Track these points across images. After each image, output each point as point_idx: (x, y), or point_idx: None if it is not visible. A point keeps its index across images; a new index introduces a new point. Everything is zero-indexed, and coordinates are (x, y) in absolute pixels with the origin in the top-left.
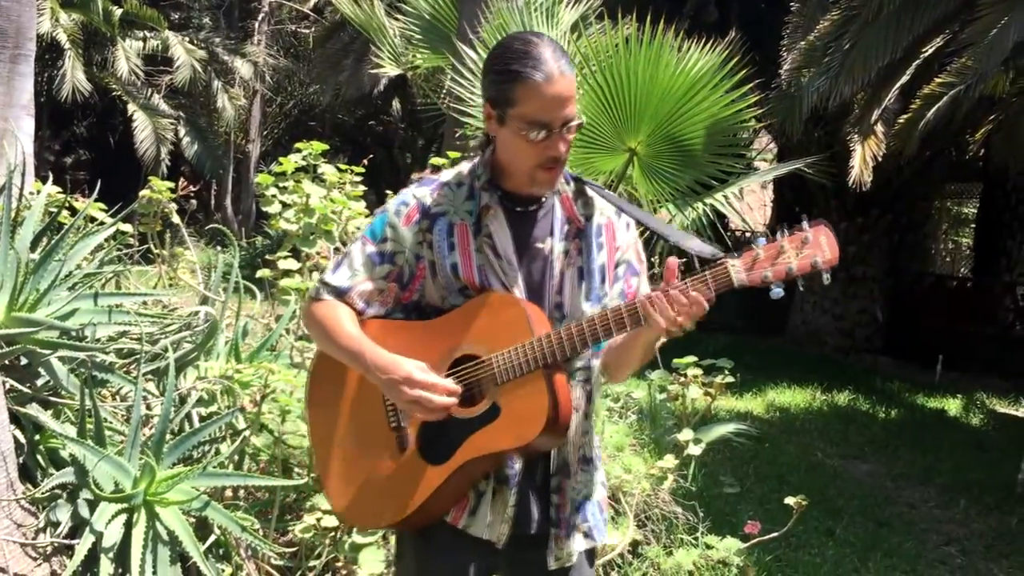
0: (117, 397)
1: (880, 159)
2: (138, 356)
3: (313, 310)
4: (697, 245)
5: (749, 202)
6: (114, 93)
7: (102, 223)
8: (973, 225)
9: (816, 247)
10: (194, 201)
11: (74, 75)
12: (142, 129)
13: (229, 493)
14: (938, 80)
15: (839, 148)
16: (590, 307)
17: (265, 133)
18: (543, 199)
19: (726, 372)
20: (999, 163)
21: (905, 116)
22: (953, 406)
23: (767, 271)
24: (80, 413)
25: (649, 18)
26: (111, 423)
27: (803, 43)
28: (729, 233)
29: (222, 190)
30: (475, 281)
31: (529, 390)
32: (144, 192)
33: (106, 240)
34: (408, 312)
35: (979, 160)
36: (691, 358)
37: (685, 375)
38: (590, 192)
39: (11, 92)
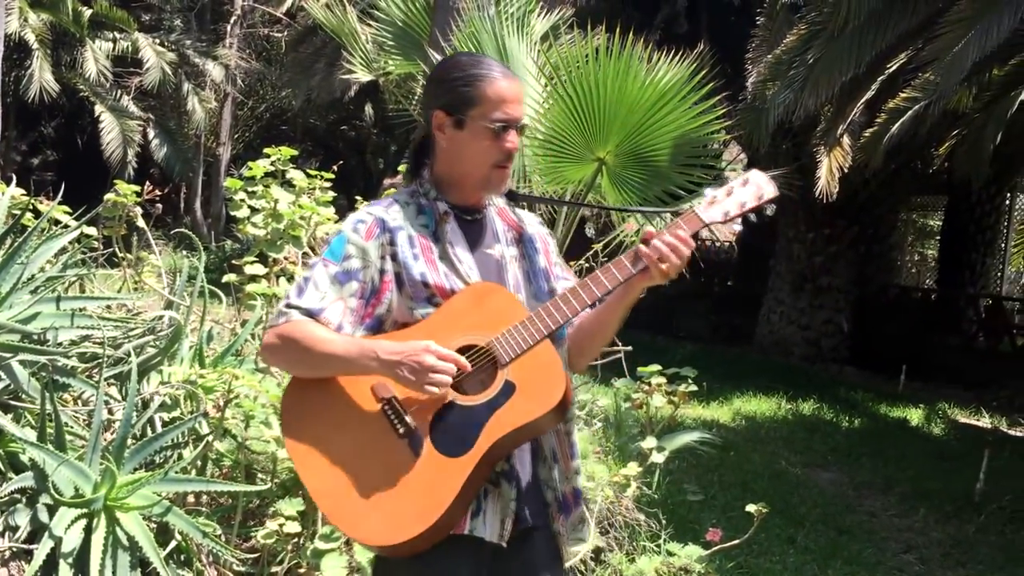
0: (79, 401)
1: (846, 171)
2: (100, 360)
3: (281, 331)
4: (654, 210)
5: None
6: (82, 94)
7: (66, 226)
8: (938, 237)
9: (758, 185)
10: (160, 205)
11: (42, 75)
12: (109, 131)
13: (191, 499)
14: (903, 95)
15: (806, 160)
16: (537, 304)
17: (236, 136)
18: (484, 209)
19: (690, 381)
20: (962, 177)
21: (871, 130)
22: (915, 415)
23: (726, 207)
24: (40, 417)
25: (619, 29)
26: (72, 428)
27: (769, 56)
28: (698, 242)
29: (192, 193)
30: (445, 287)
31: (541, 359)
32: (108, 196)
33: (70, 243)
34: (370, 332)
35: (944, 173)
36: (655, 367)
37: (649, 383)
38: (516, 208)
39: None
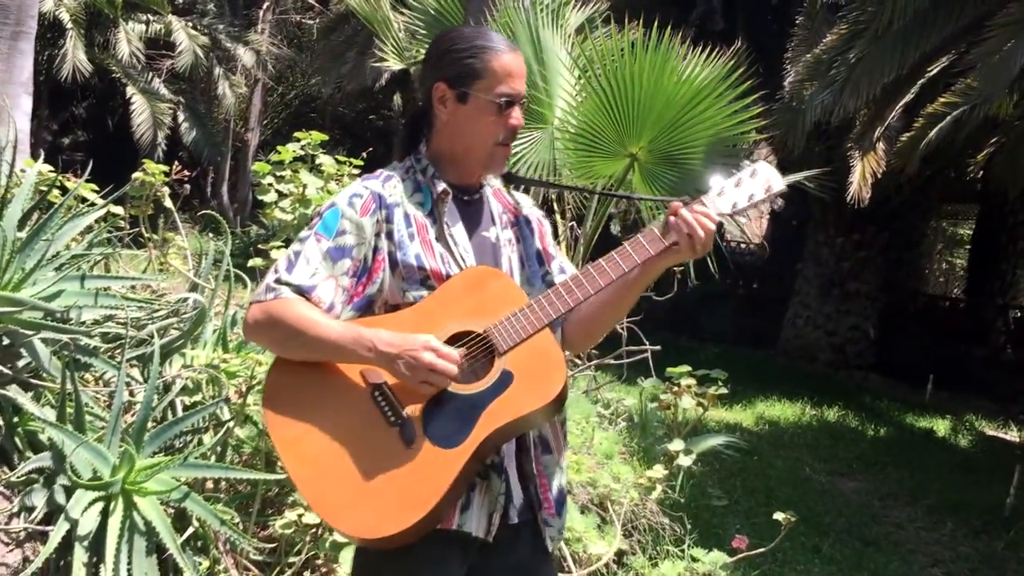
0: (100, 382)
1: (879, 176)
2: (123, 341)
3: (270, 307)
4: (662, 197)
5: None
6: (114, 75)
7: (93, 204)
8: (968, 246)
9: (765, 177)
10: (187, 186)
11: (75, 55)
12: (140, 112)
13: (210, 485)
14: (942, 100)
15: (839, 163)
16: (530, 289)
17: (265, 123)
18: (481, 189)
19: (720, 383)
20: (999, 186)
21: (908, 134)
22: (942, 427)
23: (735, 198)
24: (61, 397)
25: (656, 24)
26: (92, 408)
27: (808, 56)
28: (724, 243)
29: (219, 178)
30: (440, 270)
31: (541, 349)
32: (137, 174)
33: (96, 222)
34: (360, 312)
35: (976, 182)
36: (685, 367)
37: (678, 384)
38: (512, 190)
39: (11, 69)
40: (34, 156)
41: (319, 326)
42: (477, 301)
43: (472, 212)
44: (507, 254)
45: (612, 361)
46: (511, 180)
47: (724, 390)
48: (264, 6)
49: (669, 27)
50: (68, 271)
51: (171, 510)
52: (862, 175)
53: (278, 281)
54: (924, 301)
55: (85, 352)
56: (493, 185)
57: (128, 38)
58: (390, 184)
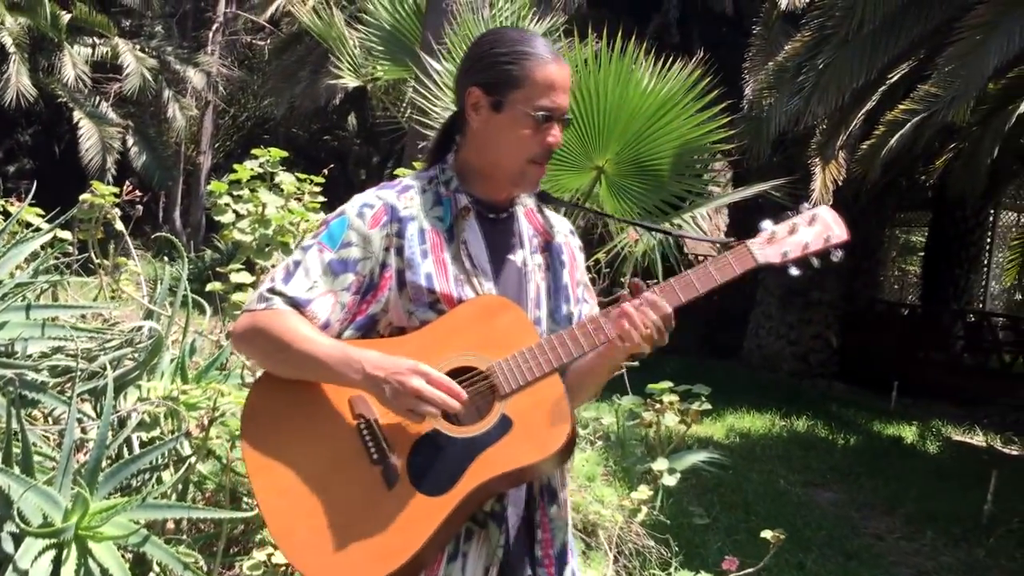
0: (50, 419)
1: (840, 184)
2: (73, 374)
3: (259, 318)
4: (700, 236)
5: (702, 227)
6: (60, 100)
7: (38, 229)
8: (921, 253)
9: (826, 225)
10: (140, 207)
11: (19, 80)
12: (88, 137)
13: (171, 525)
14: (902, 106)
15: (799, 173)
16: (553, 326)
17: (217, 145)
18: (511, 208)
19: (703, 399)
20: (957, 192)
21: (868, 142)
22: (910, 433)
23: (786, 247)
24: (7, 437)
25: (618, 35)
26: (41, 448)
27: (771, 64)
28: (683, 255)
29: (171, 202)
30: (451, 294)
31: (546, 396)
32: (85, 196)
33: (42, 248)
34: (362, 332)
35: (927, 189)
36: (666, 383)
37: (660, 401)
38: (547, 211)
39: None
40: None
41: (307, 341)
42: (484, 334)
43: (498, 232)
44: (535, 281)
45: None
46: (546, 200)
47: (707, 405)
48: (213, 28)
49: (632, 39)
50: (11, 301)
51: (130, 554)
52: (823, 183)
53: (272, 291)
54: (883, 308)
55: (32, 388)
56: (526, 204)
57: (73, 62)
58: (407, 195)
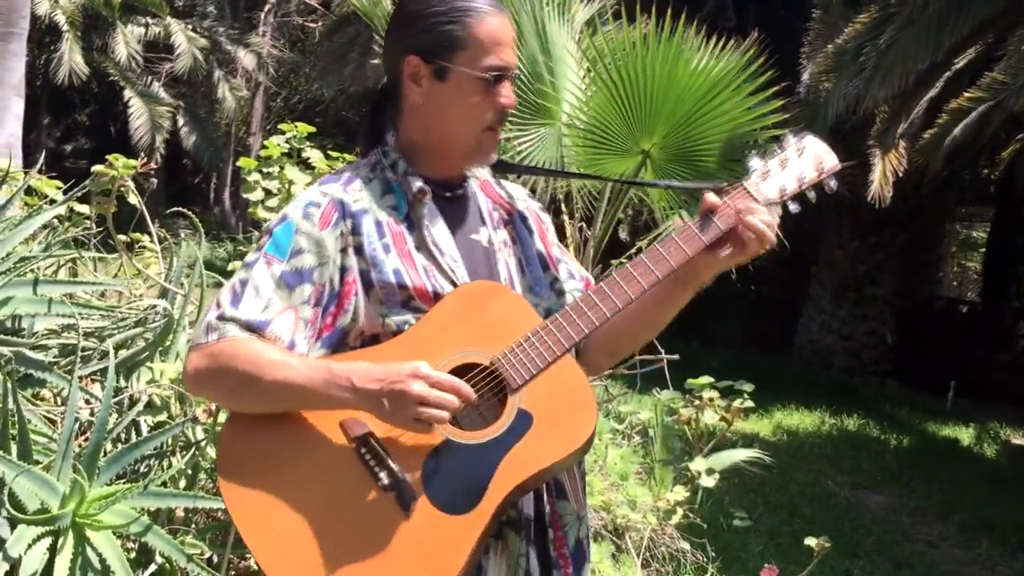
0: (58, 399)
1: (900, 175)
2: (84, 353)
3: (214, 351)
4: (691, 184)
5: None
6: (112, 78)
7: (53, 201)
8: (983, 249)
9: (816, 154)
10: (153, 180)
11: (72, 58)
12: (138, 116)
13: (180, 513)
14: (967, 94)
15: (857, 161)
16: (534, 299)
17: (268, 127)
18: (464, 183)
19: (745, 396)
20: (1023, 186)
21: (930, 131)
22: (966, 436)
23: (783, 181)
24: (3, 418)
25: (668, 14)
26: (39, 428)
27: (830, 47)
28: None
29: (221, 183)
30: (425, 287)
31: (564, 381)
32: (97, 167)
33: (60, 221)
34: (331, 349)
35: (990, 183)
36: (707, 379)
37: (700, 397)
38: (502, 181)
39: (1, 72)
40: (33, 162)
41: (280, 367)
42: (478, 325)
43: (456, 211)
44: (503, 259)
45: (625, 371)
46: (501, 168)
47: (750, 403)
48: (265, 8)
49: (682, 19)
50: (13, 276)
51: (132, 543)
52: (883, 174)
53: (221, 318)
54: (942, 305)
55: (37, 366)
56: (479, 176)
57: (126, 40)
58: (353, 187)
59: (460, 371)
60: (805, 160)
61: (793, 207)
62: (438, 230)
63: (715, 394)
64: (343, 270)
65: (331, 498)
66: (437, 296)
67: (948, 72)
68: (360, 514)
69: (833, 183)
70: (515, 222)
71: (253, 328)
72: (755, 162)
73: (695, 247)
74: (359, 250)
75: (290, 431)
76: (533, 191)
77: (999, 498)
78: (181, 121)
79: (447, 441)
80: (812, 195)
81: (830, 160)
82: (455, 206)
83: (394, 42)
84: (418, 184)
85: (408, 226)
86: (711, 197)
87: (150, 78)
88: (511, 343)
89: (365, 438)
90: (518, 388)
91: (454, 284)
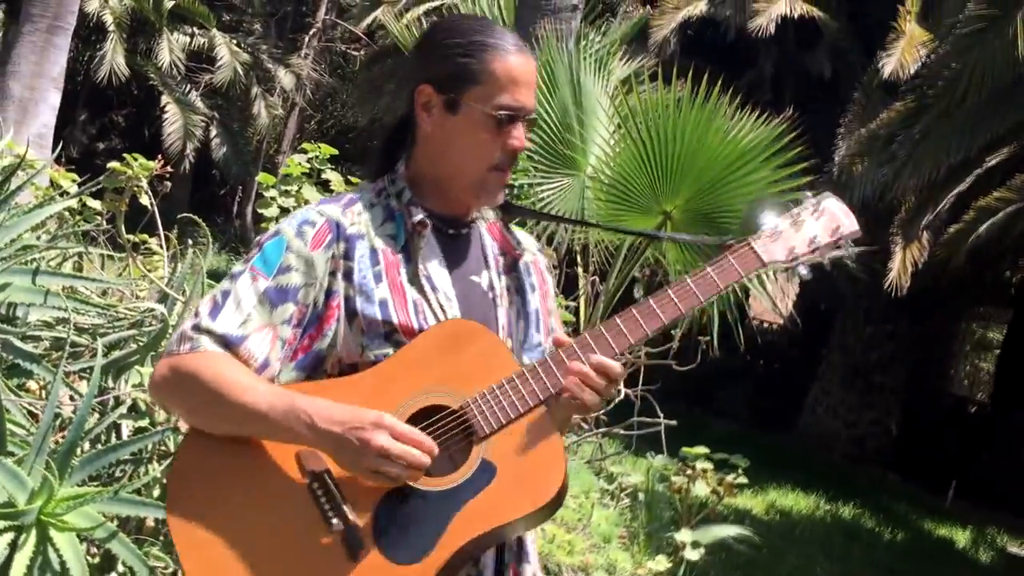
0: (43, 392)
1: (920, 267)
2: (74, 349)
3: (183, 363)
4: (699, 239)
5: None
6: (151, 83)
7: (65, 192)
8: (997, 351)
9: (833, 216)
10: (168, 183)
11: (114, 58)
12: (172, 122)
13: (151, 524)
14: (996, 193)
15: (879, 247)
16: (525, 356)
17: (298, 148)
18: (471, 223)
19: (740, 470)
20: None
21: (956, 226)
22: (962, 537)
23: (793, 243)
24: None
25: (704, 81)
26: (19, 420)
27: (863, 130)
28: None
29: (245, 197)
30: (411, 324)
31: (534, 435)
32: (113, 164)
33: (71, 214)
34: (306, 373)
35: (1011, 285)
36: (702, 449)
37: (693, 467)
38: (511, 225)
39: (43, 63)
40: (63, 156)
41: (244, 391)
42: (453, 365)
43: (458, 250)
44: (503, 306)
45: (621, 430)
46: (509, 211)
47: (743, 479)
48: (311, 32)
49: (718, 87)
50: (12, 263)
51: (96, 549)
52: (903, 263)
53: (197, 328)
54: (950, 402)
55: (21, 355)
56: (488, 218)
57: (170, 47)
58: (353, 210)
59: (429, 412)
60: (821, 222)
61: (803, 272)
62: (433, 266)
63: (709, 465)
64: (328, 293)
65: (276, 532)
66: (422, 332)
67: (979, 169)
68: (303, 554)
69: (851, 251)
70: (520, 272)
71: (227, 343)
72: (768, 219)
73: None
74: (348, 275)
75: (247, 456)
76: (551, 239)
77: None
78: (214, 132)
79: (405, 485)
80: (827, 263)
81: (848, 225)
82: (457, 244)
83: (413, 70)
84: (419, 215)
85: (404, 257)
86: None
87: (188, 87)
88: (484, 388)
89: (320, 475)
90: (485, 437)
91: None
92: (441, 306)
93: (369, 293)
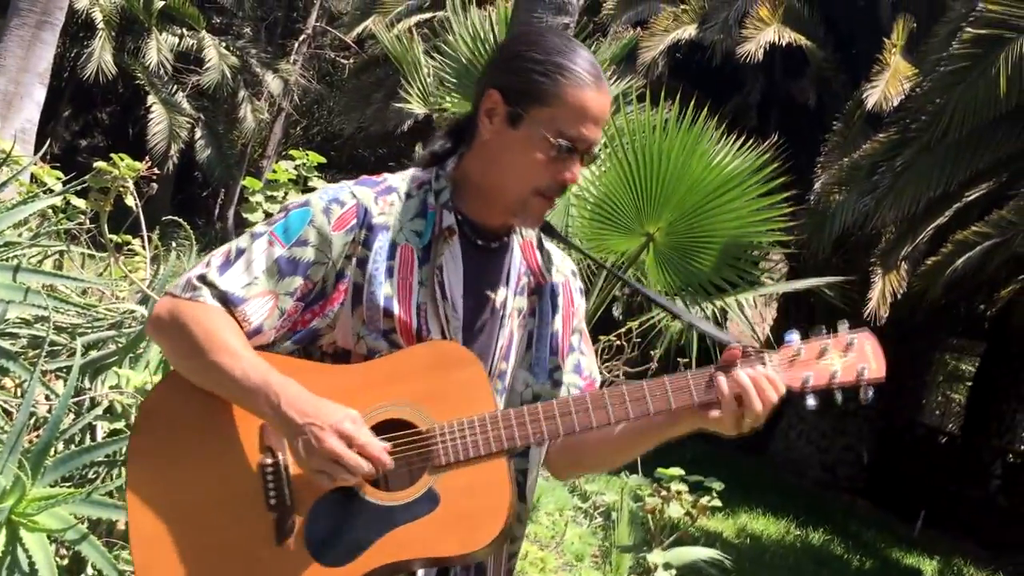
0: (19, 391)
1: (898, 297)
2: (52, 348)
3: (181, 308)
4: (716, 331)
5: (747, 315)
6: (138, 82)
7: (50, 190)
8: (969, 383)
9: (862, 356)
10: (154, 184)
11: (101, 56)
12: (158, 122)
13: (122, 527)
14: (974, 228)
15: (856, 277)
16: (530, 379)
17: (283, 152)
18: (505, 237)
19: (714, 494)
20: (1019, 326)
21: (933, 258)
22: (929, 567)
23: (809, 372)
24: None
25: (692, 104)
26: None
27: (845, 160)
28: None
29: (227, 200)
30: (411, 323)
31: (485, 480)
32: (99, 164)
33: (55, 212)
34: (302, 345)
35: (987, 320)
36: (677, 470)
37: (668, 488)
38: (548, 245)
39: (29, 58)
40: (46, 151)
41: (227, 352)
42: (434, 386)
43: (481, 261)
44: (510, 327)
45: None
46: (549, 234)
47: (717, 502)
48: (300, 38)
49: (704, 111)
50: None
51: (66, 551)
52: (882, 293)
53: (202, 279)
54: (921, 432)
55: (2, 354)
56: (526, 236)
57: (159, 47)
58: (387, 199)
59: (397, 424)
60: (848, 359)
61: (810, 402)
62: (450, 272)
63: (684, 487)
64: (340, 275)
65: (218, 498)
66: (420, 337)
67: (958, 203)
68: (234, 523)
69: (869, 393)
70: (542, 294)
71: (227, 301)
72: (793, 337)
73: (681, 402)
74: (362, 263)
75: (216, 414)
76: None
77: None
78: (199, 134)
79: (352, 490)
80: (839, 397)
81: (874, 371)
82: (482, 255)
83: (488, 73)
84: (449, 220)
85: (423, 257)
86: (734, 347)
87: (175, 87)
88: (455, 419)
89: (275, 454)
90: (440, 466)
91: (443, 331)
92: (446, 315)
93: (376, 284)
